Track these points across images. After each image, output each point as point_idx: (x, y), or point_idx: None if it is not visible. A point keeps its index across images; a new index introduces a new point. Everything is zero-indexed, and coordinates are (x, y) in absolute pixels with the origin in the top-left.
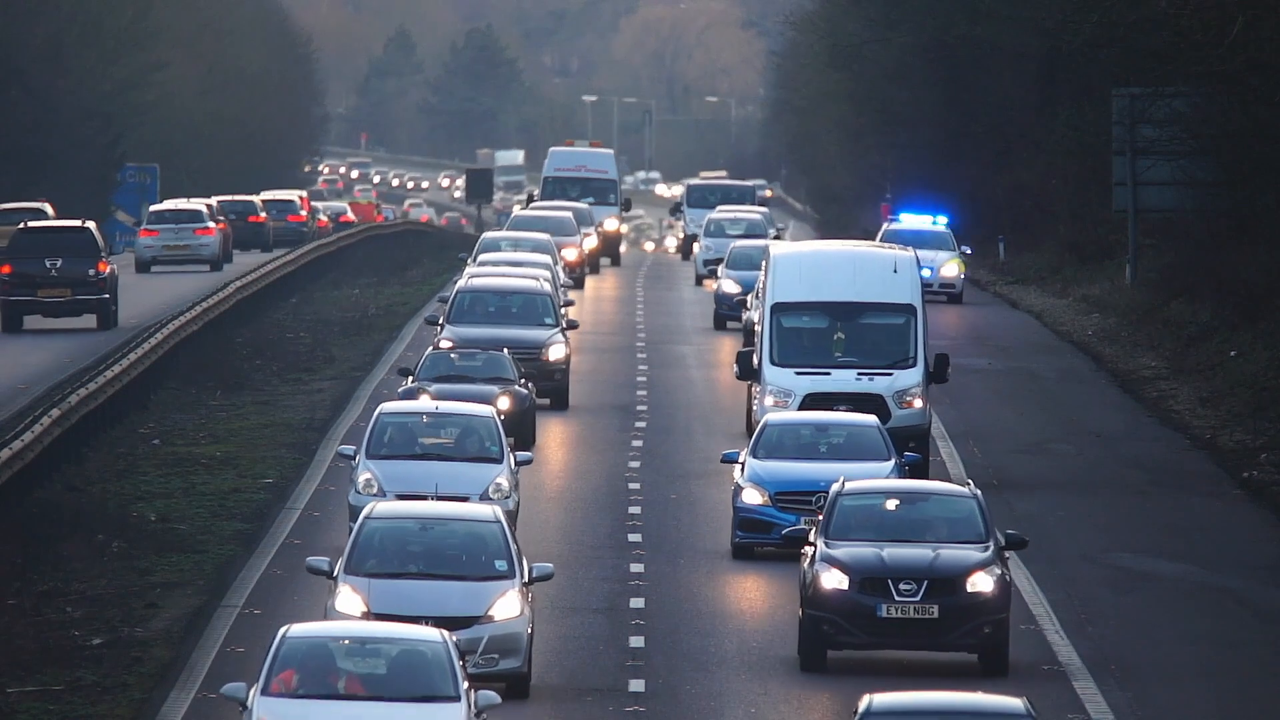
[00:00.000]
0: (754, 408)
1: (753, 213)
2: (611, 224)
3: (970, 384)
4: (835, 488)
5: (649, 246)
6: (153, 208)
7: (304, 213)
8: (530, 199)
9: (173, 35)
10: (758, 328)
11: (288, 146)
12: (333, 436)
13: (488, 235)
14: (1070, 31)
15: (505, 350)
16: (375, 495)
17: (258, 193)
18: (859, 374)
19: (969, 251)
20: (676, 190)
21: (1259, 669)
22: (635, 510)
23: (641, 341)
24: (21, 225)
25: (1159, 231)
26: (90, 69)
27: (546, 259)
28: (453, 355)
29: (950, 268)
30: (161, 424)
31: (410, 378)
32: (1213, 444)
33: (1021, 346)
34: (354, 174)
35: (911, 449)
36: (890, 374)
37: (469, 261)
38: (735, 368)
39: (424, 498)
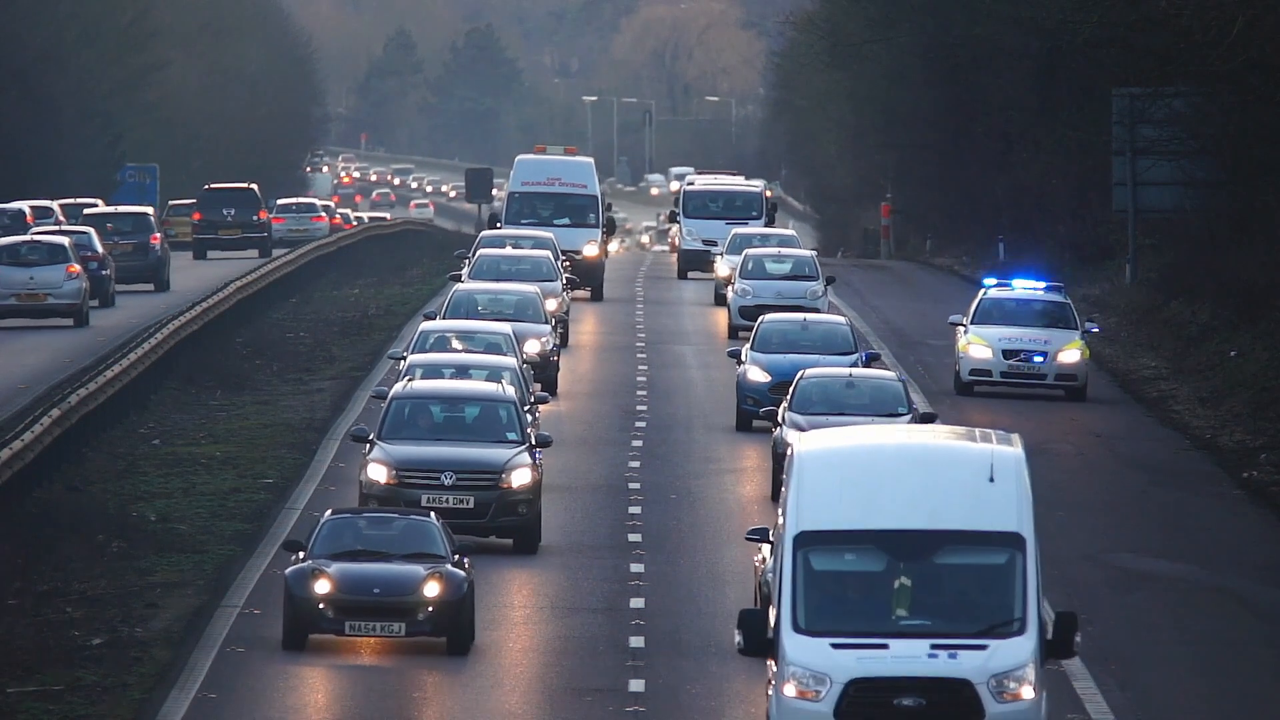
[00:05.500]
0: (768, 697)
1: (798, 249)
2: (591, 250)
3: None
4: None
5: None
6: (279, 201)
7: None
8: (493, 220)
9: (173, 35)
10: (770, 575)
11: (288, 146)
12: (333, 436)
13: (460, 289)
14: (1070, 31)
15: (433, 514)
16: None
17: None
18: (934, 646)
19: (1096, 329)
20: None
21: (1259, 669)
22: (635, 510)
23: (641, 341)
24: (206, 187)
25: (1159, 231)
26: (90, 69)
27: (507, 330)
28: (360, 521)
29: (1070, 353)
30: (161, 424)
31: (301, 553)
32: (1213, 444)
33: None
34: (395, 180)
35: None
36: (984, 645)
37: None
38: (738, 636)
39: None
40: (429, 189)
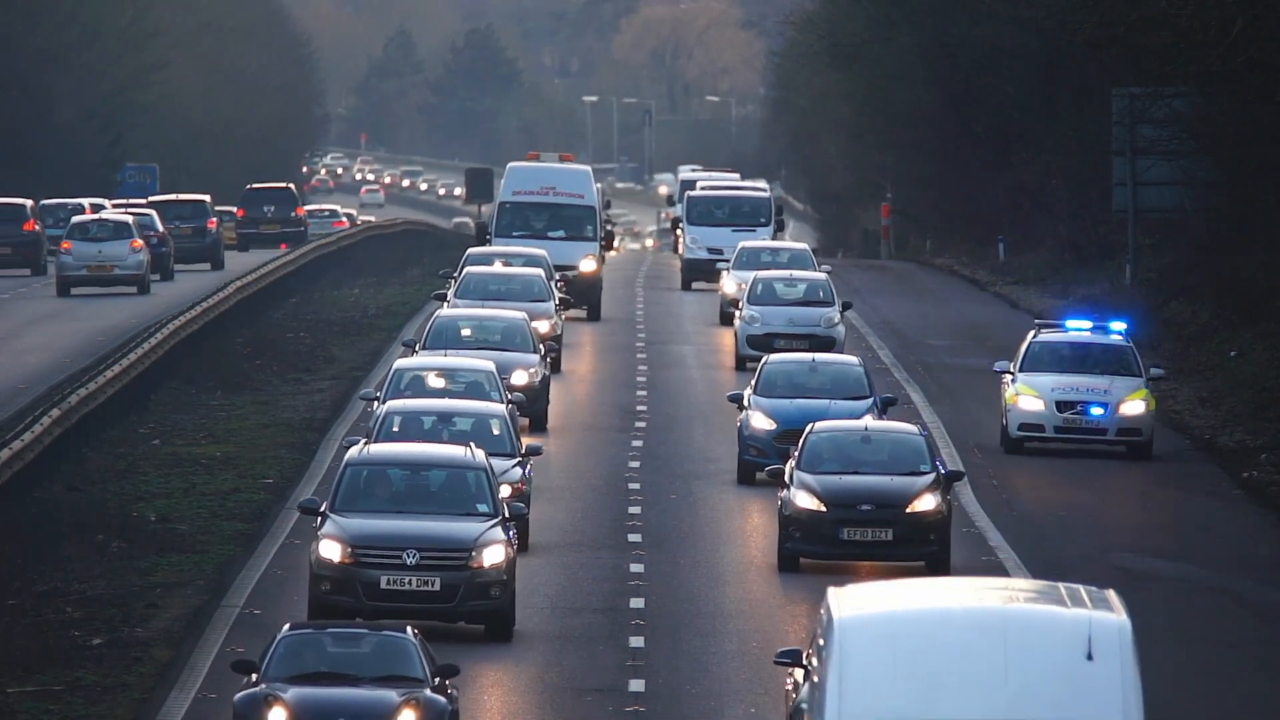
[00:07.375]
0: None
1: (812, 270)
2: (589, 265)
3: (971, 384)
4: None
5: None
6: (309, 208)
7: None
8: (482, 233)
9: (173, 35)
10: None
11: (288, 146)
12: (333, 436)
13: (443, 315)
14: (1070, 31)
15: (410, 628)
16: None
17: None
18: None
19: (1161, 372)
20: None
21: (1259, 669)
22: (635, 510)
23: (641, 341)
24: (248, 187)
25: (1159, 231)
26: (90, 69)
27: (489, 367)
28: (323, 637)
29: (1134, 404)
30: (161, 424)
31: (254, 674)
32: (1213, 444)
33: None
34: (405, 182)
35: None
36: None
37: (413, 351)
38: None
39: None
40: (441, 190)
